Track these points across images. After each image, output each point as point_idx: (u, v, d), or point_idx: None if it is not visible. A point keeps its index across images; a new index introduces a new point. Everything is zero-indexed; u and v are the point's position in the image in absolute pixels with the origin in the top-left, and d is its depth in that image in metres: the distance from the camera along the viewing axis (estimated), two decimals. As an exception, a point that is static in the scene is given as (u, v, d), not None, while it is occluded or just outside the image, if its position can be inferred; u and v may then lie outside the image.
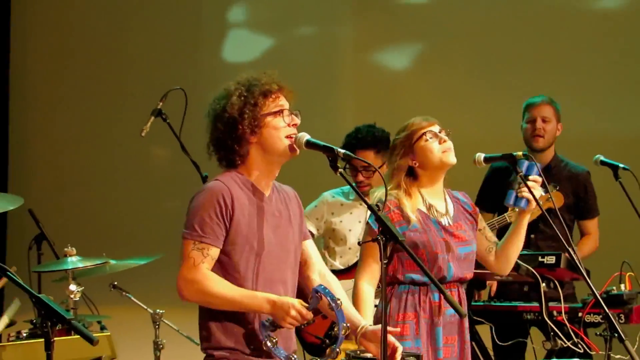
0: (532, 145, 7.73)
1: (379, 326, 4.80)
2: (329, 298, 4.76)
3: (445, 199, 5.91)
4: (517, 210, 5.89)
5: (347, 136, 7.11)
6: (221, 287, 4.88)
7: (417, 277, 5.67)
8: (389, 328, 4.84)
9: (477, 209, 6.02)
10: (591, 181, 7.70)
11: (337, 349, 4.86)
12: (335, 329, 4.84)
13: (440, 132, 5.81)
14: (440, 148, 5.78)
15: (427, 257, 5.68)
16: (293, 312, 4.80)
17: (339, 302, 4.76)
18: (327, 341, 7.07)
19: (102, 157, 9.35)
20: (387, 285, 5.53)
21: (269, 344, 4.86)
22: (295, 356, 5.00)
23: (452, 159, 5.81)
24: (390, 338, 4.81)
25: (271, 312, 4.83)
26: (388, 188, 5.54)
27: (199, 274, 4.87)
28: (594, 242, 7.73)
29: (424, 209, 5.80)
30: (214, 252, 4.90)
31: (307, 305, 4.82)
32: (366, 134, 7.08)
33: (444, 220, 5.83)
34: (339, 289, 5.14)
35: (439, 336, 5.72)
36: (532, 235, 6.83)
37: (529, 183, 5.75)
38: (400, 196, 5.77)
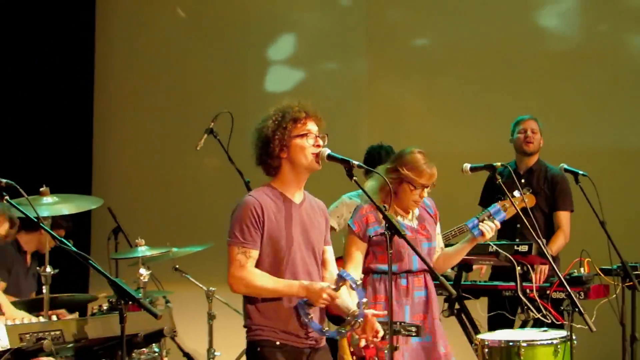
0: (524, 150, 7.75)
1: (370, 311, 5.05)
2: (351, 281, 4.87)
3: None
4: (470, 235, 5.97)
5: (366, 154, 7.16)
6: (264, 281, 4.98)
7: (383, 266, 5.72)
8: (374, 311, 5.14)
9: (438, 213, 6.08)
10: (566, 181, 7.62)
11: (360, 320, 4.96)
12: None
13: (427, 188, 5.81)
14: (414, 199, 5.80)
15: (395, 250, 5.60)
16: (325, 295, 4.89)
17: (359, 283, 4.89)
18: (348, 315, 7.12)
19: (166, 165, 9.38)
20: (363, 274, 5.73)
21: (305, 319, 4.96)
22: (327, 328, 5.10)
23: (416, 209, 5.91)
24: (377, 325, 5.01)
25: (307, 296, 4.92)
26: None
27: (245, 272, 4.98)
28: (564, 236, 7.61)
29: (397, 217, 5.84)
30: (255, 253, 4.99)
31: (334, 287, 4.90)
32: (377, 153, 7.12)
33: (410, 224, 5.87)
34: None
35: (407, 313, 5.80)
36: (518, 225, 6.81)
37: (491, 224, 5.89)
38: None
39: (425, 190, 5.82)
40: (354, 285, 4.92)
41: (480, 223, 5.88)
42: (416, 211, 5.92)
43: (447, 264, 6.17)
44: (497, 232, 7.56)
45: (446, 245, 6.23)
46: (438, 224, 6.07)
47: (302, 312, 4.96)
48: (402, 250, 5.72)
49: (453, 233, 6.95)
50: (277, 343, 5.04)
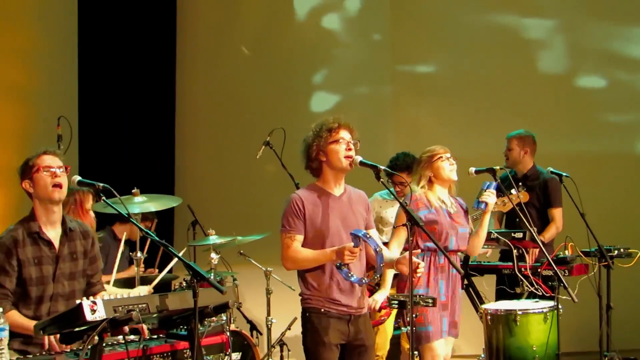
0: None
1: (406, 253, 5.02)
2: (372, 246, 4.88)
3: (450, 199, 5.94)
4: (476, 208, 6.02)
5: (390, 160, 7.10)
6: (305, 253, 5.06)
7: (430, 244, 5.67)
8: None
9: (467, 209, 6.12)
10: (556, 183, 7.50)
11: (377, 276, 5.13)
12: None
13: (450, 157, 5.85)
14: (448, 168, 5.82)
15: (439, 230, 5.75)
16: (347, 252, 4.88)
17: (379, 249, 4.88)
18: (377, 287, 7.08)
19: (233, 170, 9.39)
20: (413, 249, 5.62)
21: (343, 275, 4.99)
22: (366, 279, 5.11)
23: (454, 176, 5.94)
24: (415, 259, 4.94)
25: (337, 256, 4.93)
26: (415, 186, 5.87)
27: (291, 251, 5.06)
28: (556, 228, 7.57)
29: (439, 202, 5.84)
30: (299, 237, 5.07)
31: (353, 245, 4.92)
32: (403, 160, 7.07)
33: (450, 210, 5.86)
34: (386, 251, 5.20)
35: (442, 286, 5.77)
36: (517, 219, 6.76)
37: (486, 193, 5.91)
38: (426, 192, 5.86)
39: (450, 158, 5.89)
40: (376, 250, 4.89)
41: (479, 199, 5.93)
42: (454, 204, 5.95)
43: (476, 246, 6.11)
44: (502, 222, 7.56)
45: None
46: (470, 217, 6.15)
47: (343, 274, 4.98)
48: (446, 230, 5.77)
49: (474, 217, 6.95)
50: (322, 310, 5.06)
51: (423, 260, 5.69)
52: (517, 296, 6.80)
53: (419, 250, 5.73)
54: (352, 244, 4.89)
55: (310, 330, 5.05)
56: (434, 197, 5.86)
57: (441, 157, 5.87)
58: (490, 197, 5.91)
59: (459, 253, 5.98)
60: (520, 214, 6.02)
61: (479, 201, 5.94)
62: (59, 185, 4.71)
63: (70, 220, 4.89)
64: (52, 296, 4.73)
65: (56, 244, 4.77)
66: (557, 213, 7.59)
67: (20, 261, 4.64)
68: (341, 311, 5.06)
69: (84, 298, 4.02)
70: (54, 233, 4.77)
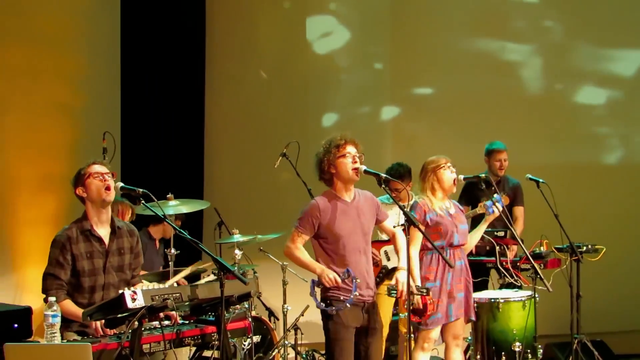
0: (497, 174, 7.75)
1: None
2: (352, 277, 5.03)
3: (450, 203, 5.91)
4: (486, 211, 5.99)
5: (386, 170, 7.08)
6: (301, 255, 5.16)
7: (437, 243, 5.61)
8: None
9: (463, 210, 6.13)
10: (520, 188, 7.66)
11: (352, 296, 5.06)
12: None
13: (450, 166, 5.84)
14: (450, 176, 5.79)
15: (444, 230, 5.70)
16: (328, 278, 5.02)
17: (358, 282, 5.04)
18: (378, 279, 7.05)
19: (254, 178, 9.35)
20: (420, 250, 5.69)
21: (339, 279, 5.04)
22: (357, 280, 5.07)
23: (454, 189, 5.92)
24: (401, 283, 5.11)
25: (320, 276, 5.07)
26: (420, 193, 5.86)
27: (293, 244, 5.15)
28: (521, 224, 7.65)
29: (442, 206, 5.80)
30: (305, 237, 5.14)
31: (341, 277, 5.03)
32: (397, 169, 7.05)
33: (451, 211, 5.82)
34: (404, 244, 5.17)
35: (449, 278, 5.71)
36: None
37: (497, 204, 5.92)
38: (430, 197, 5.81)
39: (451, 167, 5.84)
40: (354, 280, 5.02)
41: (492, 207, 5.95)
42: (453, 207, 5.91)
43: (472, 243, 6.11)
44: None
45: None
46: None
47: (352, 276, 5.04)
48: (450, 229, 5.71)
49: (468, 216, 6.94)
50: (341, 298, 5.05)
51: (431, 258, 5.67)
52: (500, 287, 6.80)
53: (418, 247, 5.72)
54: (341, 274, 5.01)
55: (333, 315, 5.05)
56: (436, 202, 5.82)
57: (444, 166, 5.84)
58: (498, 212, 5.92)
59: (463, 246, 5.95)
60: (502, 216, 6.00)
61: (492, 206, 5.93)
62: (109, 188, 4.74)
63: (118, 220, 4.91)
64: (103, 285, 4.76)
65: (106, 240, 4.79)
66: (520, 210, 7.68)
67: (74, 255, 4.67)
68: (357, 299, 5.06)
69: (126, 288, 4.03)
70: (104, 231, 4.80)
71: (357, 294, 5.01)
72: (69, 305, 4.62)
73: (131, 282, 4.92)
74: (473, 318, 5.87)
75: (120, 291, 4.01)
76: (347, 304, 5.01)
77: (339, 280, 5.00)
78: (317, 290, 5.14)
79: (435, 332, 5.69)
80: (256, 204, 9.25)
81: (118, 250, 4.82)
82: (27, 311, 5.96)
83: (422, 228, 5.35)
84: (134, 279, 4.96)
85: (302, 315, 7.39)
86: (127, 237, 4.90)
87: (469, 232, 6.00)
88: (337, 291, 5.07)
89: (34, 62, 7.77)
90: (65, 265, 4.64)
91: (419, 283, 5.52)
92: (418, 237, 5.61)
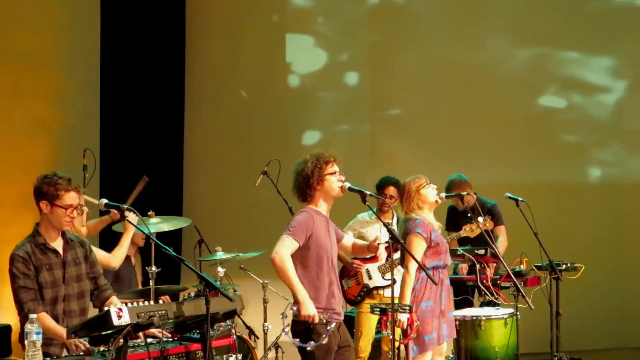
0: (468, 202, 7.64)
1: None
2: (329, 324, 4.96)
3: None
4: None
5: (378, 182, 7.10)
6: (290, 270, 4.93)
7: (434, 263, 5.61)
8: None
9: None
10: (496, 208, 7.57)
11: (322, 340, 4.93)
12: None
13: (429, 183, 5.81)
14: (433, 193, 5.76)
15: (443, 249, 5.69)
16: (305, 312, 4.89)
17: (331, 328, 4.96)
18: (359, 297, 7.02)
19: (235, 195, 9.35)
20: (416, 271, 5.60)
21: (317, 319, 4.96)
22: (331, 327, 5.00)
23: (438, 200, 5.84)
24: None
25: (300, 303, 4.92)
26: (409, 213, 5.73)
27: (285, 252, 4.93)
28: (503, 243, 7.52)
29: (436, 225, 5.78)
30: (296, 245, 4.96)
31: (321, 316, 4.93)
32: (387, 179, 7.04)
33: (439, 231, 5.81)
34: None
35: (443, 297, 5.68)
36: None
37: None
38: (426, 216, 5.71)
39: (432, 185, 5.79)
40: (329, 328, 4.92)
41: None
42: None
43: None
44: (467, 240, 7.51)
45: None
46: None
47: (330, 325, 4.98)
48: (446, 247, 5.71)
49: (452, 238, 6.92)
50: (324, 321, 4.97)
51: (426, 278, 5.61)
52: (480, 304, 6.80)
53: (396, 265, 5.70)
54: (322, 315, 4.92)
55: (317, 339, 4.92)
56: (432, 220, 5.77)
57: (426, 185, 5.78)
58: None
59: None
60: (486, 236, 6.02)
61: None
62: (71, 223, 4.75)
63: (68, 232, 4.86)
64: (64, 297, 4.70)
65: (61, 251, 4.75)
66: (502, 231, 7.59)
67: (36, 267, 4.63)
68: (336, 319, 5.02)
69: (112, 305, 3.99)
70: (58, 243, 4.76)
71: (325, 340, 4.91)
72: (47, 320, 4.55)
73: (102, 295, 4.86)
74: (455, 336, 5.89)
75: (106, 308, 3.97)
76: (322, 342, 4.88)
77: (316, 319, 4.86)
78: (289, 313, 5.01)
79: (429, 355, 5.64)
80: (236, 222, 9.23)
81: (74, 260, 4.78)
82: (7, 329, 5.89)
83: (402, 242, 5.31)
84: (106, 292, 4.88)
85: (284, 332, 7.35)
86: (80, 248, 4.87)
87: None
88: (318, 308, 5.00)
89: (13, 79, 7.75)
90: (32, 276, 4.60)
91: (407, 302, 5.48)
92: (420, 253, 5.56)
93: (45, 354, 4.42)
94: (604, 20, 9.68)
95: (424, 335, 5.52)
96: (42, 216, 4.73)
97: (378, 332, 6.96)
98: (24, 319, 4.41)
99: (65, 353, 4.56)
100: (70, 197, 4.68)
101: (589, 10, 9.71)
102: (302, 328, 4.95)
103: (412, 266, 5.52)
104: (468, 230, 6.64)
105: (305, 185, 5.06)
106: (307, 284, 4.97)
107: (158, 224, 6.51)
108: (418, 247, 5.53)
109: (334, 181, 5.05)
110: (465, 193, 6.13)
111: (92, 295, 4.86)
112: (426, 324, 5.51)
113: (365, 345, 6.93)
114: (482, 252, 6.94)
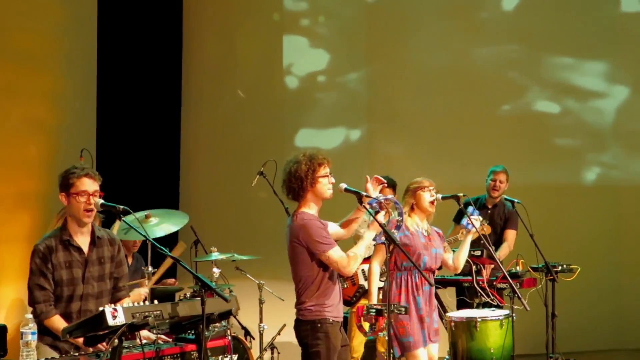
0: (491, 195, 7.76)
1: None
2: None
3: (426, 224, 5.93)
4: (465, 230, 6.06)
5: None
6: (357, 251, 4.98)
7: (407, 264, 5.61)
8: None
9: (444, 236, 6.11)
10: (514, 212, 7.43)
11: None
12: None
13: (432, 189, 5.83)
14: (428, 199, 5.78)
15: (412, 250, 5.68)
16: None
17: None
18: (354, 298, 7.01)
19: (231, 196, 9.36)
20: (391, 270, 5.58)
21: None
22: None
23: (432, 209, 5.91)
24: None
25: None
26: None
27: (344, 260, 4.93)
28: (508, 247, 7.59)
29: (415, 227, 5.78)
30: (337, 248, 4.95)
31: None
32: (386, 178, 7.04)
33: (425, 233, 5.81)
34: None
35: (419, 302, 5.70)
36: (482, 241, 6.74)
37: (473, 217, 6.00)
38: (405, 218, 5.73)
39: (432, 191, 5.85)
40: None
41: (468, 221, 6.03)
42: (430, 229, 5.92)
43: (461, 261, 6.13)
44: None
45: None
46: (445, 242, 6.14)
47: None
48: (418, 251, 5.72)
49: (449, 241, 6.91)
50: (331, 320, 4.97)
51: (400, 280, 5.66)
52: (476, 306, 6.81)
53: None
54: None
55: (324, 338, 4.92)
56: (411, 222, 5.83)
57: (424, 188, 5.85)
58: (477, 221, 5.99)
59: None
60: (483, 238, 6.03)
61: (468, 222, 5.98)
62: (90, 211, 4.68)
63: (98, 229, 4.85)
64: (82, 296, 4.69)
65: (85, 249, 4.73)
66: (511, 234, 7.61)
67: (53, 265, 4.61)
68: (339, 318, 5.04)
69: (106, 305, 3.98)
70: (83, 240, 4.73)
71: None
72: (59, 323, 4.55)
73: (116, 295, 4.86)
74: (439, 341, 5.94)
75: (101, 308, 3.96)
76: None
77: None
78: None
79: (422, 354, 5.67)
80: (232, 222, 9.22)
81: (98, 259, 4.76)
82: (2, 330, 5.87)
83: (398, 243, 5.30)
84: (120, 293, 4.88)
85: (279, 334, 7.36)
86: (108, 246, 4.83)
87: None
88: (328, 308, 4.99)
89: (9, 78, 7.70)
90: (48, 275, 4.60)
91: (374, 301, 5.58)
92: (382, 251, 5.59)
93: (54, 347, 4.49)
94: (599, 26, 9.71)
95: (400, 337, 5.64)
96: (67, 210, 4.74)
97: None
98: (36, 318, 4.39)
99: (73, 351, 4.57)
100: (83, 183, 4.64)
101: (585, 15, 9.75)
102: (308, 328, 4.94)
103: (374, 260, 5.67)
104: (461, 231, 6.64)
105: (298, 187, 5.01)
106: (314, 285, 4.95)
107: (156, 226, 6.46)
108: (377, 247, 5.66)
109: (326, 183, 5.02)
110: (461, 194, 6.11)
111: None
112: (400, 326, 5.59)
113: (357, 345, 6.95)
114: (478, 253, 6.95)
